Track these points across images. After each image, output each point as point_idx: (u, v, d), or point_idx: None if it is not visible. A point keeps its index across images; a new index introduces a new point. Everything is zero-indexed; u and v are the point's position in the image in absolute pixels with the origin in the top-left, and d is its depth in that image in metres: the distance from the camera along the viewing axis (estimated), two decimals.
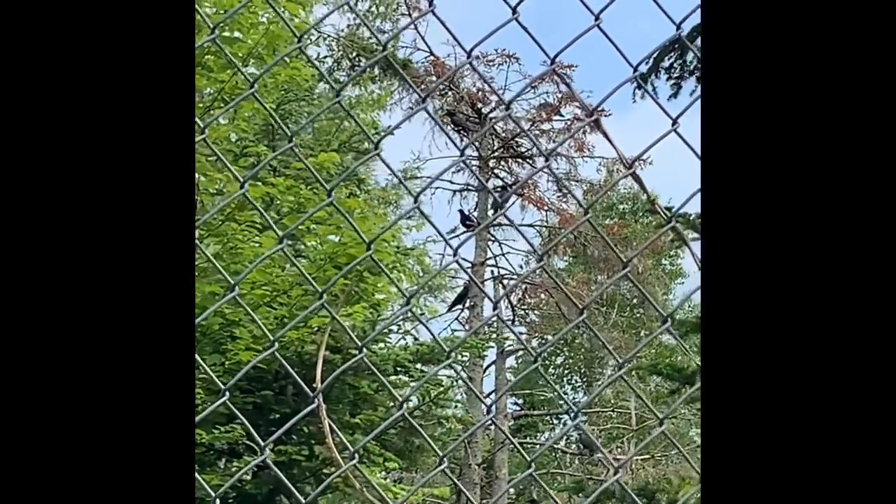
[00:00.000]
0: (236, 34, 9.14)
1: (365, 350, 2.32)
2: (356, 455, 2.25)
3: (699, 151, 1.88)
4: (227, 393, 2.08)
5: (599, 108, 3.39)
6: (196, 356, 2.47)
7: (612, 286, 25.34)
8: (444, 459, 2.28)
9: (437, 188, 22.43)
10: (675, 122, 2.33)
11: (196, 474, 2.37)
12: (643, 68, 8.70)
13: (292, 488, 2.61)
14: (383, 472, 12.17)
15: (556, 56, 2.27)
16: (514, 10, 2.20)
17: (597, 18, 2.25)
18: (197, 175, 9.22)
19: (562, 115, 23.28)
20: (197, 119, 2.50)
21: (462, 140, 22.53)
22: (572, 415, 2.68)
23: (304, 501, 2.13)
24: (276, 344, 2.14)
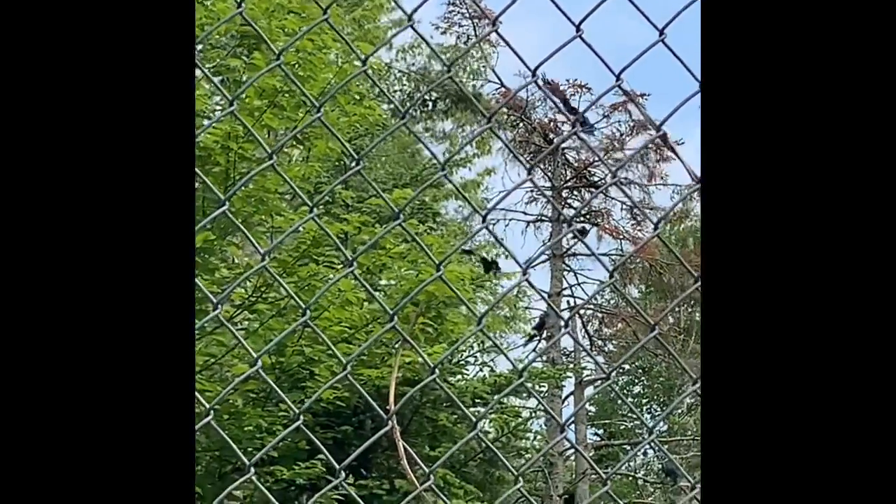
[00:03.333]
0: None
1: (442, 379, 2.32)
2: (430, 476, 2.25)
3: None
4: (301, 417, 2.09)
5: (672, 138, 3.38)
6: (277, 389, 2.48)
7: (689, 313, 25.10)
8: (520, 479, 2.28)
9: (511, 219, 22.42)
10: None
11: None
12: None
13: None
14: None
15: (621, 72, 2.26)
16: (578, 28, 2.19)
17: (661, 33, 2.24)
18: (272, 214, 9.30)
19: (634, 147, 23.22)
20: (273, 157, 2.52)
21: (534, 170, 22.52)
22: (649, 435, 2.66)
23: None
24: (349, 367, 2.15)
